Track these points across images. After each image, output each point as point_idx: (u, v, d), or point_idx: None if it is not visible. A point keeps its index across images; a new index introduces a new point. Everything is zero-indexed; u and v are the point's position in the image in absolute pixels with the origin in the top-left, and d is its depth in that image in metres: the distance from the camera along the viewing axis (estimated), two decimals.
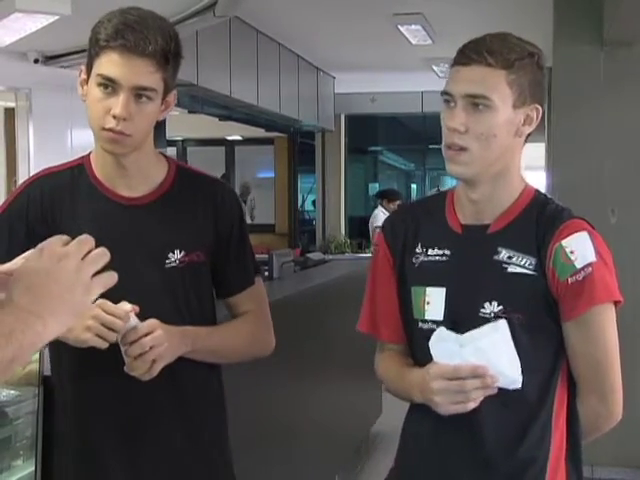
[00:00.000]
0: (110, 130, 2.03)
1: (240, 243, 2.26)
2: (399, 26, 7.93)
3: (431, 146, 16.90)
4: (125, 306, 2.00)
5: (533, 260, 1.92)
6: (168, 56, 2.05)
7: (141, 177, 2.17)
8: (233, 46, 7.76)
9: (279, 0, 7.00)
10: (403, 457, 2.12)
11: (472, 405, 1.84)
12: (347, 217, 12.50)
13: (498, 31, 1.97)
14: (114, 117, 2.01)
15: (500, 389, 1.85)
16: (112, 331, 1.98)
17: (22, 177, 7.73)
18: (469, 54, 1.90)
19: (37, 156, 8.27)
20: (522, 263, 1.92)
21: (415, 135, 16.40)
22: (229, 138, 12.71)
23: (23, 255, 1.46)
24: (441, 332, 1.89)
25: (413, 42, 8.44)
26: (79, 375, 2.17)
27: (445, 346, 1.86)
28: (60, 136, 8.42)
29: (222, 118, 9.52)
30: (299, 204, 12.90)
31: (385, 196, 11.27)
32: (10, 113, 8.78)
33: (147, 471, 2.19)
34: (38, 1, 5.80)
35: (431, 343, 1.89)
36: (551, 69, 6.03)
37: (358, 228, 12.49)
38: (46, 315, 1.27)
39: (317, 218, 12.60)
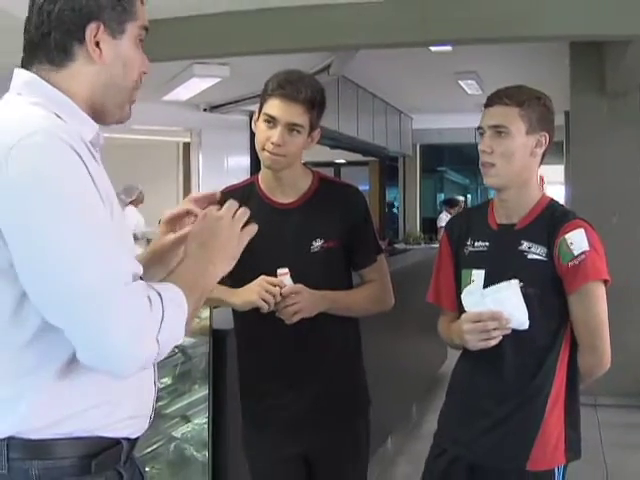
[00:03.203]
0: (269, 152, 2.08)
1: (365, 232, 2.22)
2: (459, 81, 7.87)
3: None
4: (284, 269, 2.06)
5: (545, 250, 1.91)
6: (314, 103, 2.09)
7: (292, 187, 2.18)
8: (340, 95, 7.80)
9: (373, 64, 6.99)
10: (450, 395, 2.12)
11: (493, 342, 1.85)
12: (421, 218, 12.31)
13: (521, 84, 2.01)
14: (272, 144, 2.06)
15: (516, 337, 1.86)
16: (272, 296, 2.02)
17: None
18: (493, 98, 1.97)
19: (204, 177, 8.40)
20: (538, 252, 1.91)
21: (470, 159, 16.02)
22: (336, 161, 12.60)
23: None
24: (470, 288, 1.92)
25: (468, 92, 8.33)
26: (252, 325, 2.18)
27: (472, 298, 1.88)
28: (220, 162, 8.55)
29: (331, 147, 9.55)
30: (386, 209, 12.88)
31: (448, 203, 11.14)
32: (186, 147, 9.01)
33: (300, 390, 2.14)
34: (208, 68, 5.93)
35: (462, 296, 1.91)
36: (568, 112, 6.03)
37: (429, 226, 12.26)
38: (215, 260, 1.31)
39: (399, 219, 12.44)
